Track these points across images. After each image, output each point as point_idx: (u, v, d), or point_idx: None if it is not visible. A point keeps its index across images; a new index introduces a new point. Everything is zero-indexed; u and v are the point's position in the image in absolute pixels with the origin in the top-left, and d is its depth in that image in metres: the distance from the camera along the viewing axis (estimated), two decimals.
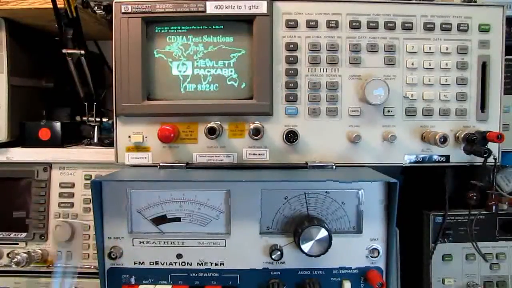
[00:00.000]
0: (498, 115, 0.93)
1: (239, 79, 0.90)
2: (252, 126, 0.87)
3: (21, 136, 1.07)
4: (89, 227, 1.00)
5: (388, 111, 0.91)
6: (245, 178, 0.82)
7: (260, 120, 0.88)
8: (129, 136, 0.91)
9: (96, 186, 0.80)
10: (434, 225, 1.01)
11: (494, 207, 0.95)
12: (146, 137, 0.91)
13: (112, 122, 0.93)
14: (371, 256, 0.82)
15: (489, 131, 0.89)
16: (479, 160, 0.90)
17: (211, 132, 0.86)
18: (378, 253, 0.82)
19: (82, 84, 1.10)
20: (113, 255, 0.82)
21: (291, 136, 0.88)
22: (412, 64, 0.91)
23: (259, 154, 0.90)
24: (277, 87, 0.90)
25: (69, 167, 1.03)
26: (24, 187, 1.03)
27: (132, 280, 0.83)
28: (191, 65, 0.90)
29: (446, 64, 0.91)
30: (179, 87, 0.90)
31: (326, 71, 0.90)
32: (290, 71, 0.90)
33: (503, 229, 1.03)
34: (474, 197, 0.94)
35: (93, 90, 1.11)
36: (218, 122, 0.88)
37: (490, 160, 0.89)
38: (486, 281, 1.03)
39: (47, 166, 1.03)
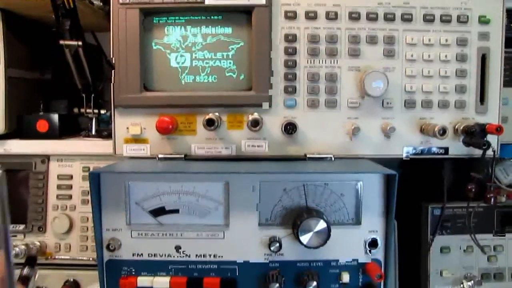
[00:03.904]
0: (497, 107, 0.92)
1: (238, 71, 0.90)
2: (250, 117, 0.87)
3: (18, 128, 1.07)
4: (87, 219, 1.00)
5: (387, 103, 0.90)
6: (244, 169, 0.82)
7: (258, 112, 0.88)
8: (127, 128, 0.90)
9: (94, 178, 0.80)
10: (432, 217, 1.01)
11: (492, 199, 0.95)
12: (144, 128, 0.90)
13: (110, 114, 0.92)
14: (369, 248, 0.82)
15: (488, 123, 0.89)
16: (478, 152, 0.90)
17: (210, 123, 0.85)
18: (377, 245, 0.82)
19: (80, 75, 1.09)
20: (112, 247, 0.81)
21: (290, 128, 0.87)
22: (412, 56, 0.90)
23: (258, 146, 0.90)
24: (276, 78, 0.89)
25: (67, 159, 1.03)
26: (22, 179, 1.03)
27: (131, 272, 0.82)
28: (190, 56, 0.90)
29: (446, 56, 0.91)
30: (177, 79, 0.90)
31: (325, 62, 0.90)
32: (289, 63, 0.89)
33: (501, 221, 1.04)
34: (473, 190, 0.94)
35: (91, 81, 1.10)
36: (217, 114, 0.87)
37: (489, 152, 0.89)
38: (484, 273, 1.03)
39: (45, 158, 1.02)
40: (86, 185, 0.97)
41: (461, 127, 0.90)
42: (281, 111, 0.90)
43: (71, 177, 1.02)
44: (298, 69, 0.90)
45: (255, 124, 0.86)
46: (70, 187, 1.02)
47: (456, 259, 1.03)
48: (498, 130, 0.86)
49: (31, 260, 0.42)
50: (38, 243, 0.99)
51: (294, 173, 0.82)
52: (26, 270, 0.41)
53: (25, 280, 0.41)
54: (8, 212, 0.44)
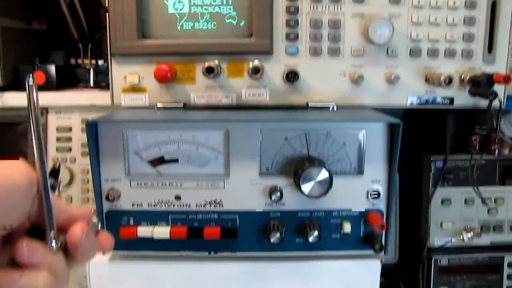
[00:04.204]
0: (505, 57, 0.89)
1: (238, 17, 0.86)
2: (251, 65, 0.84)
3: (15, 80, 1.05)
4: (88, 171, 1.00)
5: (392, 51, 0.87)
6: (244, 118, 0.80)
7: (259, 59, 0.85)
8: (125, 77, 0.88)
9: (92, 127, 0.78)
10: (434, 169, 1.00)
11: (496, 151, 0.94)
12: (142, 77, 0.88)
13: (107, 63, 0.90)
14: (371, 198, 0.81)
15: (496, 73, 0.86)
16: (483, 103, 0.88)
17: (209, 71, 0.83)
18: (379, 195, 0.81)
19: (76, 25, 1.07)
20: (111, 197, 0.81)
21: (291, 76, 0.85)
22: (418, 2, 0.87)
23: (259, 95, 0.88)
24: (277, 25, 0.86)
25: (65, 111, 1.01)
26: (21, 132, 1.01)
27: (131, 222, 0.82)
28: (188, 2, 0.86)
29: (454, 3, 0.87)
30: (175, 26, 0.87)
31: (329, 8, 0.86)
32: (290, 9, 0.86)
33: (503, 174, 1.03)
34: (477, 140, 0.93)
35: (87, 31, 1.08)
36: (216, 62, 0.85)
37: (495, 103, 0.87)
38: (483, 225, 1.03)
39: (43, 111, 1.01)
40: (86, 137, 0.95)
41: (468, 77, 0.88)
42: (283, 59, 0.87)
43: (70, 129, 1.01)
44: (300, 15, 0.86)
45: (256, 71, 0.84)
46: (69, 139, 1.01)
47: (457, 211, 1.02)
48: (506, 79, 0.84)
49: (55, 172, 0.45)
50: None
51: (296, 121, 0.81)
52: (51, 181, 0.44)
53: (52, 188, 0.44)
54: (40, 117, 0.45)
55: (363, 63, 0.88)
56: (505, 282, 1.05)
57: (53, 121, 1.01)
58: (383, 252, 0.81)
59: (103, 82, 1.08)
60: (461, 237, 1.02)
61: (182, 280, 0.84)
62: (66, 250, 0.45)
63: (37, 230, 0.44)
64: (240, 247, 0.83)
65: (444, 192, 1.01)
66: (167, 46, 0.86)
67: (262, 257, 0.83)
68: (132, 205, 0.82)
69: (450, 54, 0.88)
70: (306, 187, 0.76)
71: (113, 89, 0.89)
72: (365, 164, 0.80)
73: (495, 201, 1.03)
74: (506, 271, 1.04)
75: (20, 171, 0.43)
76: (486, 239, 1.03)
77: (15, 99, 1.01)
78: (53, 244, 0.44)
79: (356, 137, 0.80)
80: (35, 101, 0.44)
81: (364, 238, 0.82)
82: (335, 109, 0.88)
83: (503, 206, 1.03)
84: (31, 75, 0.44)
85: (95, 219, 0.49)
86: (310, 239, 0.79)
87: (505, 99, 0.90)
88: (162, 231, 0.80)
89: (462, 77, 0.89)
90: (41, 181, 0.44)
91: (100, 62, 1.10)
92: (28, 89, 0.44)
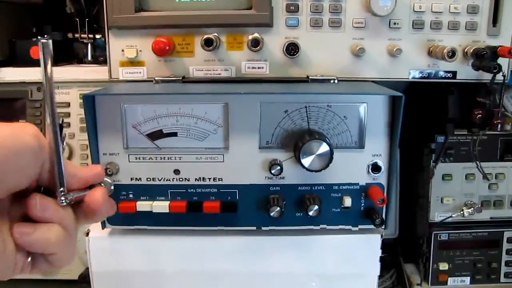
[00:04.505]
0: (510, 30, 0.87)
1: None
2: (250, 37, 0.83)
3: (11, 55, 1.03)
4: (87, 146, 0.99)
5: (394, 23, 0.86)
6: (244, 90, 0.79)
7: (259, 32, 0.84)
8: (122, 50, 0.87)
9: (89, 101, 0.77)
10: (435, 144, 0.99)
11: (499, 125, 0.93)
12: (140, 51, 0.86)
13: (105, 38, 0.88)
14: (372, 172, 0.81)
15: (500, 46, 0.85)
16: (487, 77, 0.87)
17: (208, 43, 0.82)
18: (380, 169, 0.80)
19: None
20: (109, 171, 0.80)
21: (291, 49, 0.84)
22: None
23: (258, 68, 0.87)
24: None
25: (63, 87, 1.00)
26: (19, 108, 1.01)
27: (130, 197, 0.81)
28: None
29: None
30: None
31: None
32: None
33: (505, 150, 1.02)
34: (479, 115, 0.92)
35: (84, 5, 1.06)
36: (216, 34, 0.84)
37: (498, 77, 0.85)
38: (484, 201, 1.03)
39: (41, 86, 0.99)
40: None
41: (471, 50, 0.86)
42: (283, 31, 0.85)
43: (68, 104, 1.00)
44: None
45: (256, 44, 0.82)
46: (68, 114, 1.00)
47: (458, 186, 1.02)
48: (511, 52, 0.83)
49: (59, 127, 0.47)
50: None
51: (296, 93, 0.79)
52: None
53: None
54: (53, 77, 0.46)
55: (365, 35, 0.86)
56: (504, 257, 1.05)
57: None
58: (383, 226, 0.81)
59: (101, 57, 1.07)
60: (462, 213, 1.02)
61: (181, 254, 0.83)
62: (74, 206, 0.47)
63: (45, 190, 0.46)
64: (239, 221, 0.82)
65: (445, 167, 1.01)
66: (165, 18, 0.84)
67: (261, 231, 0.83)
68: (131, 179, 0.81)
69: (454, 26, 0.87)
70: (307, 161, 0.75)
71: (111, 63, 0.88)
72: (366, 138, 0.79)
73: (496, 176, 1.03)
74: (505, 246, 1.05)
75: (30, 133, 0.44)
76: (486, 215, 1.04)
77: (13, 74, 1.00)
78: (63, 200, 0.45)
79: (357, 110, 0.79)
80: (49, 61, 0.45)
81: (365, 212, 0.82)
82: (336, 82, 0.86)
83: (504, 181, 1.03)
84: (43, 36, 0.44)
85: (108, 178, 0.51)
86: (310, 213, 0.78)
87: (509, 73, 0.88)
88: (161, 206, 0.80)
89: (466, 50, 0.87)
90: (52, 138, 0.45)
91: (98, 36, 1.09)
92: (43, 46, 0.44)
